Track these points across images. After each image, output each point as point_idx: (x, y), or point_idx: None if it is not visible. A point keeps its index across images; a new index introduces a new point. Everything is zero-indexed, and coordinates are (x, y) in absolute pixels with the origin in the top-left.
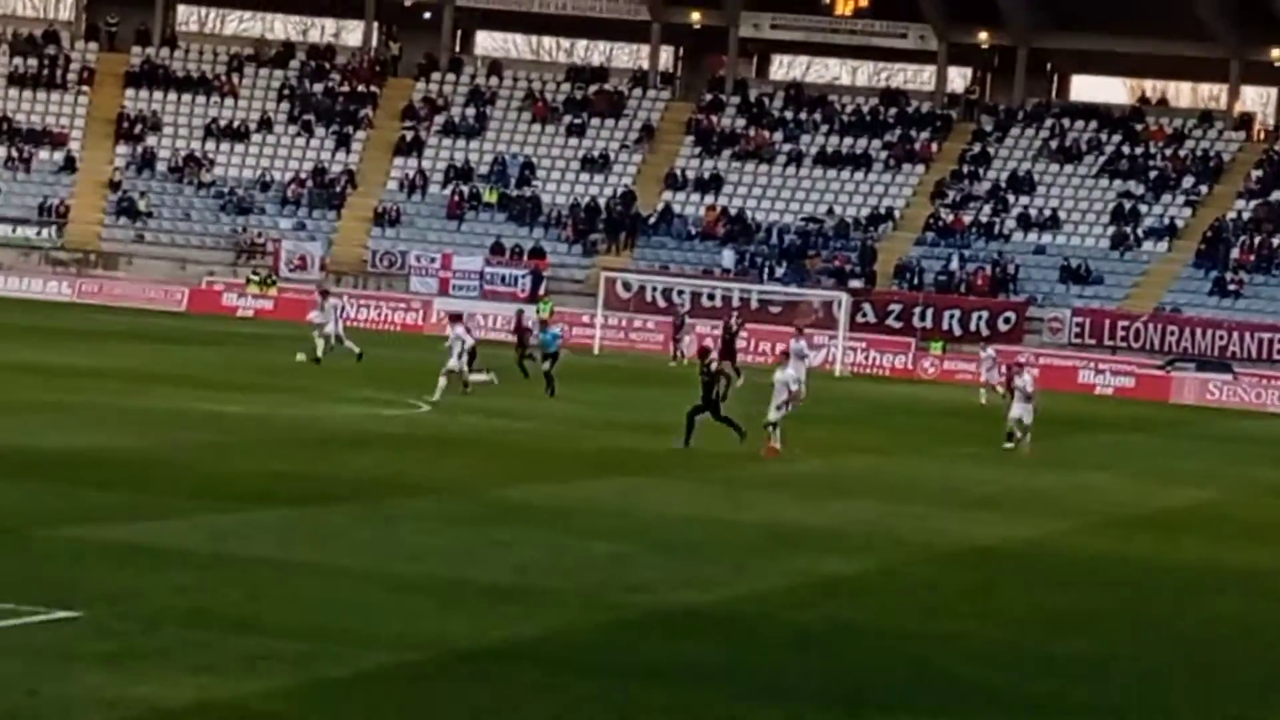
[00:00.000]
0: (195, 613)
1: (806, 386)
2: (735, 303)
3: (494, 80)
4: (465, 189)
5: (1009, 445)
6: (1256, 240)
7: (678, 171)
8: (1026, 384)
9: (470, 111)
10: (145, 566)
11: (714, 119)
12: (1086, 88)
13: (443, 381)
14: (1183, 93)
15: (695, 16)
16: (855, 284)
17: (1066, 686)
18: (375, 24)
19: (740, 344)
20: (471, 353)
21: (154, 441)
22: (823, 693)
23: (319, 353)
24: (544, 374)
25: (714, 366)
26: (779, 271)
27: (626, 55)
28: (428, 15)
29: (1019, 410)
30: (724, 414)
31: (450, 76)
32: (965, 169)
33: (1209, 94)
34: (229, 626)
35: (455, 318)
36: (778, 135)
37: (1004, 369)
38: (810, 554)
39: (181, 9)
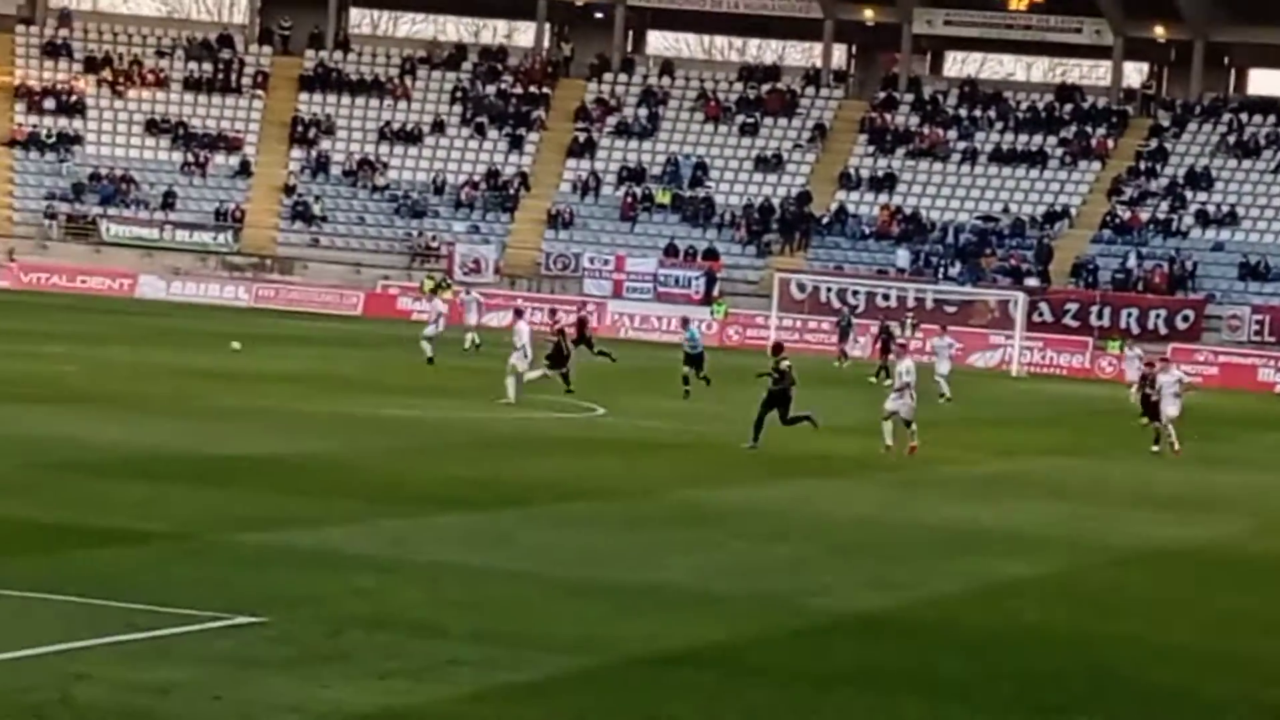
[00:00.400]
0: (378, 617)
1: (948, 381)
2: (910, 303)
3: (666, 80)
4: (638, 190)
5: (1155, 448)
6: None
7: (851, 171)
8: (1171, 382)
9: (643, 112)
10: (328, 571)
11: (887, 117)
12: (1265, 81)
13: (510, 381)
14: None
15: (868, 14)
16: (1031, 283)
17: (1251, 689)
18: (547, 25)
19: (915, 344)
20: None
21: (333, 446)
22: (1004, 696)
23: (465, 345)
24: (683, 376)
25: (785, 365)
26: (954, 271)
27: (799, 53)
28: (600, 15)
29: (1171, 409)
30: (792, 414)
31: (622, 77)
32: (1142, 165)
33: None
34: (411, 631)
35: (519, 313)
36: (952, 133)
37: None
38: (990, 556)
39: (354, 12)
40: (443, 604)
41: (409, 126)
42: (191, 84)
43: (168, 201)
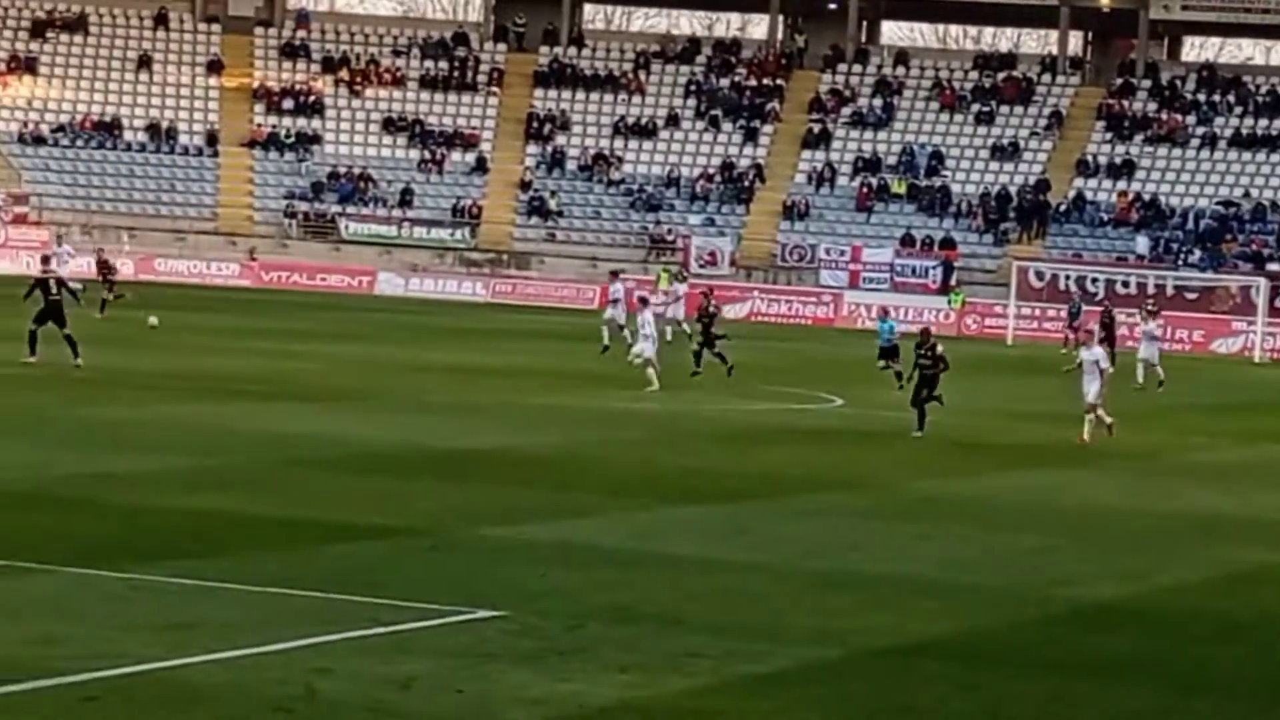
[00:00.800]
0: (619, 610)
1: (1151, 367)
2: (1150, 290)
3: (901, 70)
4: (874, 180)
5: None
6: None
7: (1089, 158)
8: None
9: (877, 102)
10: (567, 564)
11: (1125, 103)
12: None
13: (650, 372)
14: None
15: (1104, 0)
16: (1273, 268)
17: None
18: (781, 16)
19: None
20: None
21: (572, 439)
22: (1250, 685)
23: (668, 338)
24: (880, 368)
25: (938, 349)
26: (1194, 257)
27: (1035, 41)
28: (833, 6)
29: None
30: (932, 396)
31: (857, 67)
32: None
33: None
34: (653, 624)
35: (644, 301)
36: (1190, 118)
37: None
38: (1233, 543)
39: (588, 7)
40: (682, 596)
41: (643, 120)
42: (428, 82)
43: (405, 199)
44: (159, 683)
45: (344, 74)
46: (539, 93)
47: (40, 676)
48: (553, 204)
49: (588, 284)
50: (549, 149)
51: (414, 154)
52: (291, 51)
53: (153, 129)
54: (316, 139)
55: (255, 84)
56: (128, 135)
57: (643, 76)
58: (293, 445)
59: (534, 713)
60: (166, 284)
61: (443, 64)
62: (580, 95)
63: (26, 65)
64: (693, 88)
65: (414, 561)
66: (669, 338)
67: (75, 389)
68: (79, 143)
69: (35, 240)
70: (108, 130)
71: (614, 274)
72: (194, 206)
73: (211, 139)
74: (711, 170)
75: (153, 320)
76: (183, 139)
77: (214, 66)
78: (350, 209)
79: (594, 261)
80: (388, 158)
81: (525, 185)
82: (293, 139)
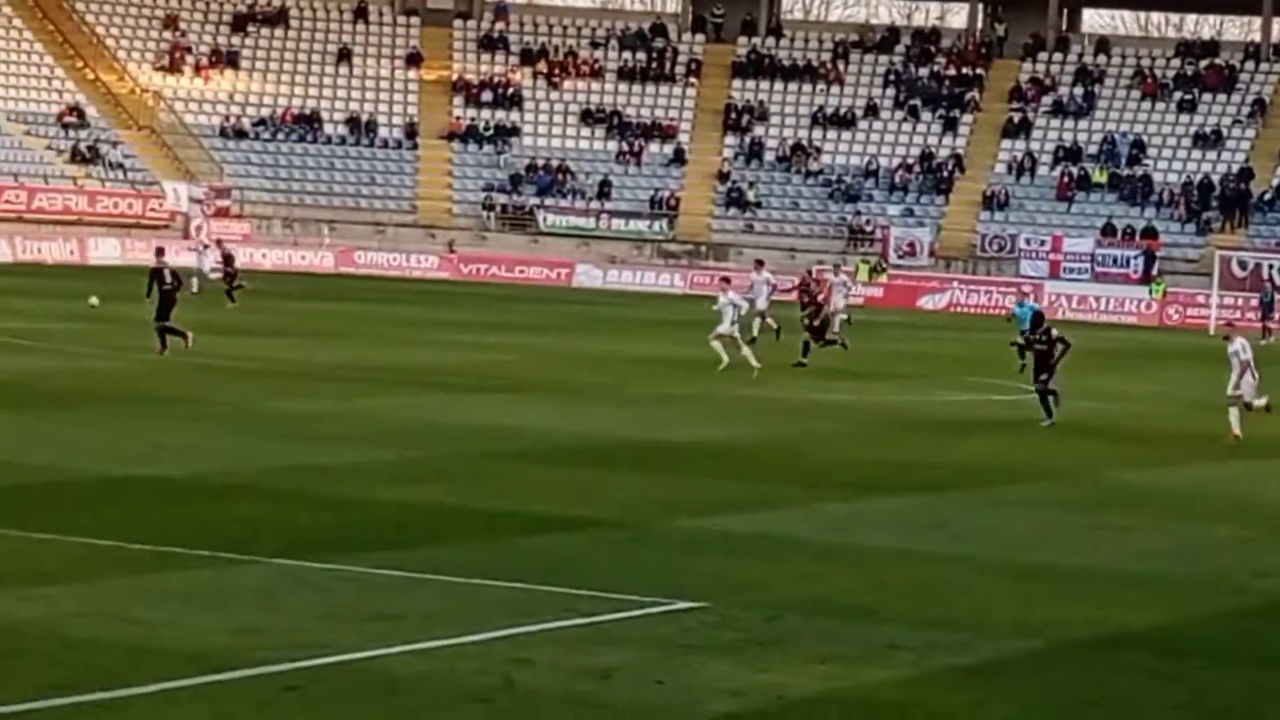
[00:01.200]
0: (817, 602)
1: None
2: None
3: (1101, 58)
4: (1074, 170)
5: None
6: None
7: None
8: None
9: (1078, 91)
10: (765, 556)
11: None
12: None
13: (716, 345)
14: None
15: None
16: None
17: None
18: (980, 5)
19: None
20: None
21: (769, 431)
22: None
23: (754, 332)
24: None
25: (1053, 333)
26: None
27: (1237, 28)
28: None
29: None
30: (1050, 386)
31: (1057, 56)
32: None
33: None
34: (850, 615)
35: (726, 281)
36: None
37: None
38: None
39: None
40: (881, 588)
41: (842, 111)
42: (626, 74)
43: (603, 191)
44: (359, 673)
45: (542, 66)
46: (737, 84)
47: (244, 666)
48: (751, 195)
49: (786, 275)
50: (747, 140)
51: (612, 146)
52: (490, 44)
53: (352, 122)
54: (515, 131)
55: (454, 76)
56: (328, 128)
57: (841, 67)
58: (492, 437)
59: (734, 703)
60: (366, 276)
61: (641, 55)
62: (779, 86)
63: (228, 59)
64: (892, 77)
65: (613, 552)
66: (756, 331)
67: (276, 382)
68: (279, 136)
69: (237, 233)
70: (308, 123)
71: (759, 263)
72: (393, 199)
73: (411, 132)
74: (910, 160)
75: (93, 300)
76: (382, 132)
77: (413, 59)
78: (548, 201)
79: (792, 252)
80: (586, 150)
81: (723, 176)
82: (491, 131)
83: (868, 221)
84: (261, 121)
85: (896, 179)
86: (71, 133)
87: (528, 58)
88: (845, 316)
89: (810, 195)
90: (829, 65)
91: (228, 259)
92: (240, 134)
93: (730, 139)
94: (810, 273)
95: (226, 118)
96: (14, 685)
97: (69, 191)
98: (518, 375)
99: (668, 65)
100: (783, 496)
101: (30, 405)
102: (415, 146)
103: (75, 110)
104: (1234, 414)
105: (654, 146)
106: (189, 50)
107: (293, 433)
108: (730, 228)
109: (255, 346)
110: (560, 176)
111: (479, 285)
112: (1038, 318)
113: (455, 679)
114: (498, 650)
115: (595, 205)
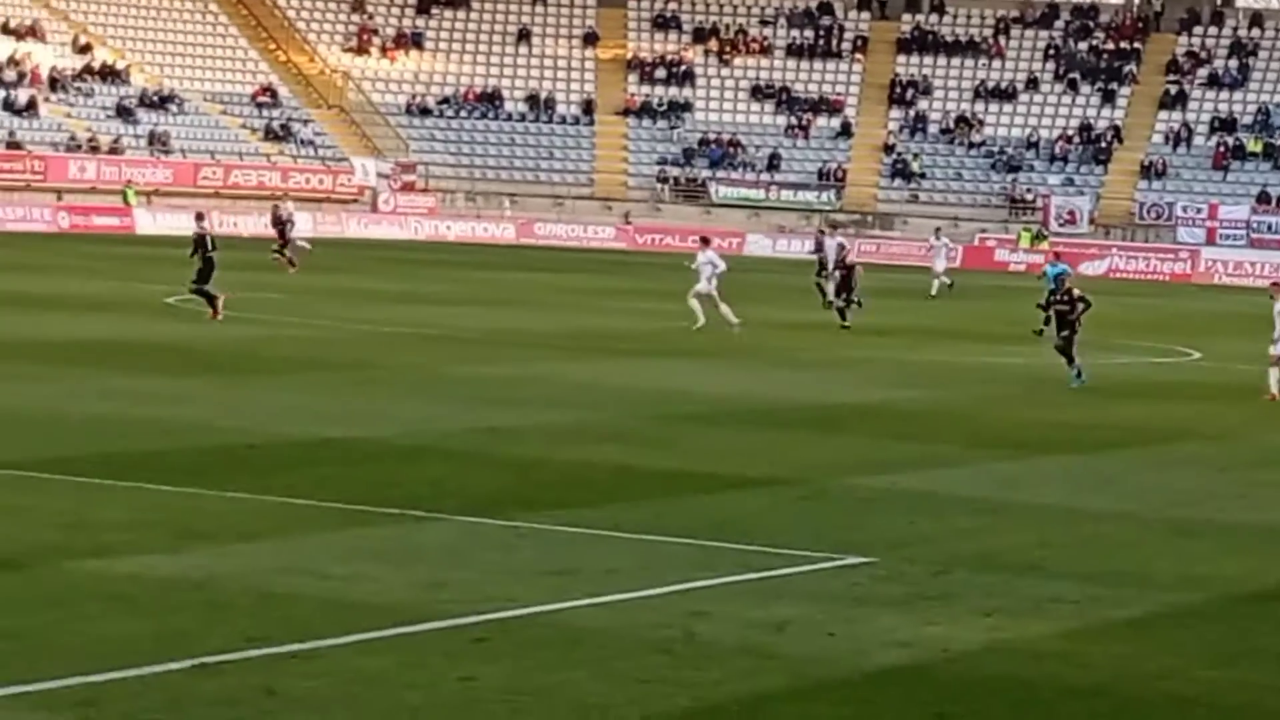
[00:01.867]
0: (983, 557)
1: None
2: None
3: (1256, 31)
4: (1229, 140)
5: None
6: None
7: None
8: None
9: (1233, 63)
10: (934, 513)
11: None
12: None
13: (694, 303)
14: None
15: None
16: None
17: None
18: None
19: None
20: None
21: (936, 394)
22: None
23: (933, 291)
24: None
25: (1075, 293)
26: None
27: None
28: None
29: None
30: (1073, 350)
31: (1212, 30)
32: None
33: None
34: (1017, 570)
35: (705, 241)
36: None
37: None
38: None
39: None
40: (1046, 544)
41: (1003, 84)
42: (794, 50)
43: (773, 163)
44: (543, 625)
45: (713, 44)
46: (901, 59)
47: (433, 619)
48: (915, 166)
49: (950, 243)
50: (911, 113)
51: (781, 120)
52: (663, 23)
53: (532, 99)
54: (687, 107)
55: (629, 55)
56: (508, 106)
57: (1002, 41)
58: (669, 400)
59: (902, 654)
60: (545, 247)
61: (808, 32)
62: (941, 60)
63: (413, 40)
64: (1051, 51)
65: (785, 510)
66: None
67: (459, 348)
68: (462, 113)
69: (422, 206)
70: (489, 101)
71: (832, 226)
72: (571, 173)
73: (588, 108)
74: (1070, 132)
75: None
76: (560, 109)
77: (590, 39)
78: (720, 173)
79: (955, 221)
80: (755, 124)
81: (888, 148)
82: (665, 107)
83: (1028, 191)
84: (445, 100)
85: (1056, 150)
86: (265, 112)
87: (699, 36)
88: (948, 281)
89: (973, 166)
90: (990, 40)
91: (280, 224)
92: (425, 112)
93: (895, 112)
94: (824, 233)
95: (412, 96)
96: (216, 636)
97: (263, 168)
98: (692, 341)
99: (834, 42)
100: (951, 456)
101: (228, 371)
102: (592, 122)
103: (268, 90)
104: (1274, 374)
105: (821, 120)
106: (375, 32)
107: (476, 396)
108: (895, 198)
109: (439, 315)
110: (731, 150)
111: (653, 255)
112: (1060, 279)
113: (636, 630)
114: (676, 603)
115: (765, 177)
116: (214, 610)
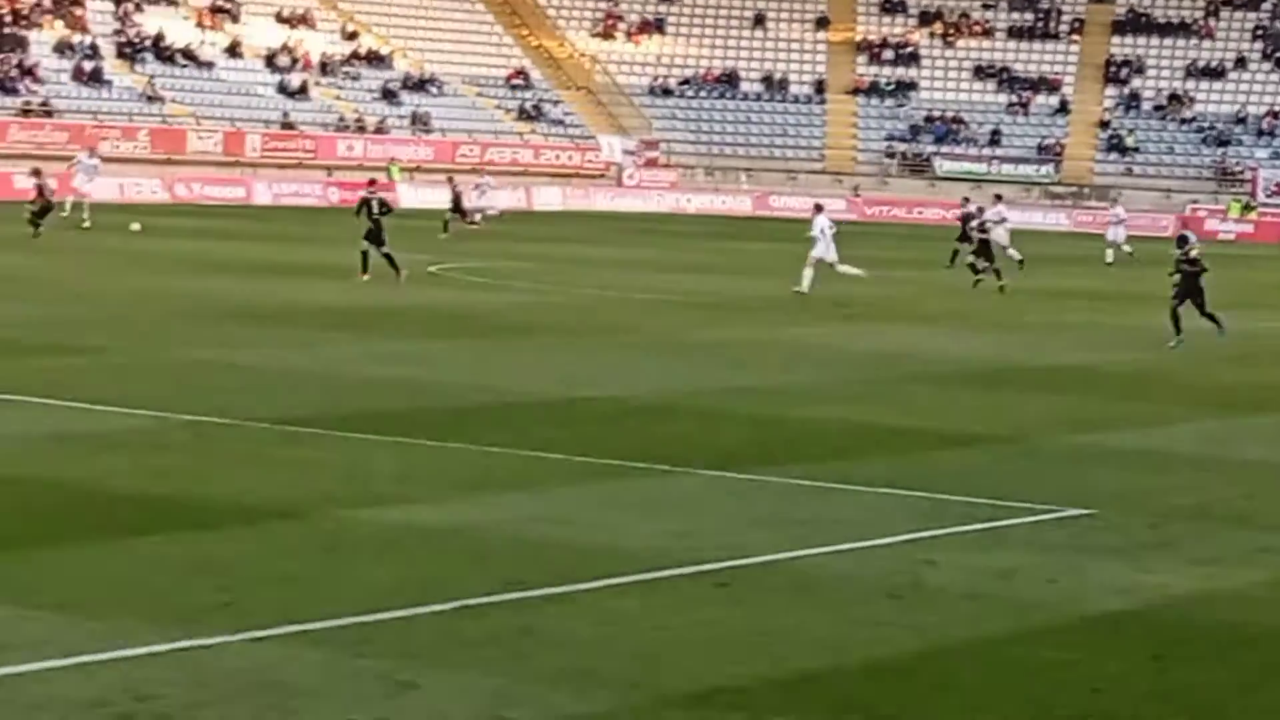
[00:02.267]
0: (1198, 510)
1: None
2: None
3: None
4: None
5: None
6: None
7: None
8: None
9: None
10: (1151, 469)
11: None
12: None
13: (809, 272)
14: None
15: None
16: None
17: None
18: None
19: None
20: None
21: (1149, 356)
22: None
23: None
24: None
25: (1194, 253)
26: None
27: None
28: None
29: None
30: (1208, 309)
31: None
32: None
33: None
34: (1229, 522)
35: (818, 208)
36: None
37: None
38: None
39: None
40: (1255, 497)
41: (1213, 63)
42: (1014, 32)
43: (994, 139)
44: (781, 572)
45: (938, 27)
46: (1116, 39)
47: (680, 565)
48: (1129, 141)
49: (1162, 214)
50: (1126, 91)
51: (1002, 98)
52: (891, 7)
53: (767, 80)
54: (913, 86)
55: (858, 37)
56: (744, 86)
57: (1213, 22)
58: (899, 362)
59: (1123, 600)
60: (779, 219)
61: (1028, 15)
62: (1154, 41)
63: (656, 25)
64: (1259, 31)
65: (1008, 465)
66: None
67: (702, 314)
68: (701, 94)
69: (664, 181)
70: (727, 82)
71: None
72: (804, 149)
73: (819, 88)
74: (1278, 108)
75: (134, 226)
76: (793, 89)
77: (821, 22)
78: (944, 149)
79: (1168, 194)
80: (978, 102)
81: (1104, 125)
82: (892, 86)
83: (1238, 164)
84: (686, 81)
85: (1265, 125)
86: (517, 93)
87: (925, 19)
88: (1129, 250)
89: (1184, 141)
90: (1201, 21)
91: (456, 198)
92: (667, 92)
93: (1110, 90)
94: (967, 200)
95: (655, 78)
96: (476, 581)
97: (516, 145)
98: (918, 306)
99: (1053, 23)
100: (1165, 414)
101: (487, 335)
102: (823, 101)
103: (521, 73)
104: None
105: (1040, 98)
106: (621, 18)
107: (718, 358)
108: (1110, 171)
109: (681, 282)
110: (955, 126)
111: (882, 225)
112: (1181, 239)
113: (868, 578)
114: (905, 552)
115: (987, 152)
116: (475, 556)
